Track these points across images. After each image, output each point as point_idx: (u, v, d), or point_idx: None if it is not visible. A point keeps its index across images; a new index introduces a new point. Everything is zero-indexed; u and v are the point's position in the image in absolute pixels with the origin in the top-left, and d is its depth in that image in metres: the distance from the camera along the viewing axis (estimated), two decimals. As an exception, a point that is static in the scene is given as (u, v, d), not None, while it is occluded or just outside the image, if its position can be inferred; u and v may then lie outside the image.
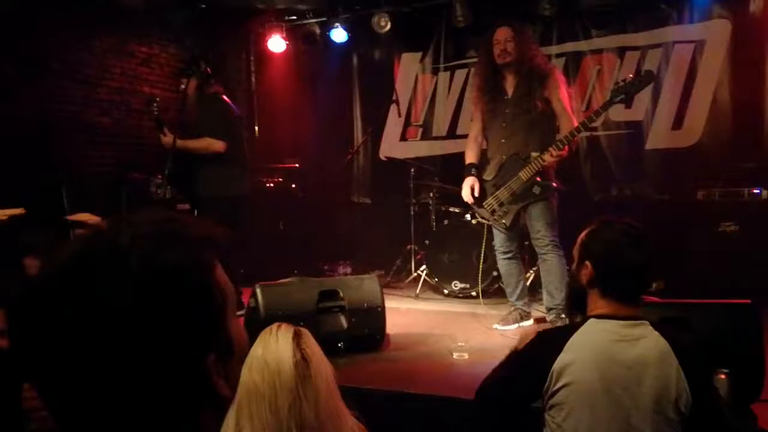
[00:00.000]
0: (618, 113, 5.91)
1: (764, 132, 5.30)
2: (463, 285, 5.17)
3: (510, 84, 4.09)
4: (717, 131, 5.50)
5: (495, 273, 5.13)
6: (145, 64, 6.25)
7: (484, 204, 4.18)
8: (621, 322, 1.81)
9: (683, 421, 1.73)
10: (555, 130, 4.07)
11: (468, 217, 5.32)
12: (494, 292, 5.17)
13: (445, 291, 5.26)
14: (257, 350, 1.47)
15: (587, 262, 1.90)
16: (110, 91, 5.88)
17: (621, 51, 5.90)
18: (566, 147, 3.84)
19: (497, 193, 4.10)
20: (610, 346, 1.78)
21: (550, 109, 4.00)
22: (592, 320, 1.85)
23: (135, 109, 6.12)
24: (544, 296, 4.11)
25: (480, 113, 4.22)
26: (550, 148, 3.83)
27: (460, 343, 3.72)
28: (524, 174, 3.96)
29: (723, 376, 2.27)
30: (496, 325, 4.19)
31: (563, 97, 4.01)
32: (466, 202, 4.25)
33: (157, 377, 0.65)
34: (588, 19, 5.96)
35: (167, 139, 4.74)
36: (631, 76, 3.74)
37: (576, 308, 2.03)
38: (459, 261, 5.19)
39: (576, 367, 1.78)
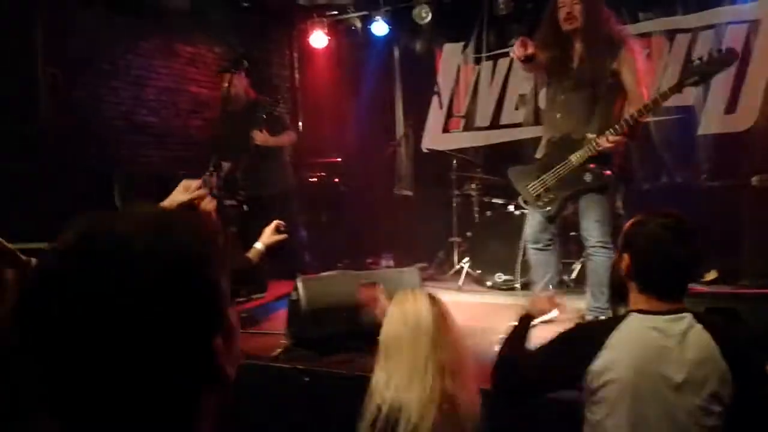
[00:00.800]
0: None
1: (824, 114, 5.04)
2: (506, 277, 5.11)
3: (577, 53, 3.66)
4: (774, 114, 5.26)
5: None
6: (191, 64, 6.39)
7: (528, 186, 3.82)
8: (663, 317, 1.75)
9: (726, 412, 1.66)
10: (621, 109, 3.63)
11: (511, 208, 5.25)
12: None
13: (488, 283, 5.20)
14: (395, 310, 1.73)
15: (626, 255, 1.85)
16: (158, 90, 6.04)
17: (670, 34, 5.69)
18: (626, 130, 3.45)
19: (544, 176, 3.74)
20: (653, 343, 1.73)
21: (619, 84, 3.57)
22: (633, 315, 1.80)
23: (182, 109, 6.27)
24: (588, 296, 3.77)
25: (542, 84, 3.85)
26: (608, 131, 3.46)
27: (502, 336, 3.68)
28: (575, 158, 3.59)
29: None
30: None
31: (638, 70, 3.58)
32: (513, 195, 3.98)
33: (166, 359, 0.66)
34: (635, 1, 5.77)
35: (262, 136, 4.82)
36: (708, 55, 3.33)
37: (619, 299, 1.98)
38: (502, 252, 5.12)
39: (617, 364, 1.73)
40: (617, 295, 2.00)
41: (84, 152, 5.17)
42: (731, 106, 5.46)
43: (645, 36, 5.79)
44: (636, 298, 1.83)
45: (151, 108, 5.96)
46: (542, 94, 3.97)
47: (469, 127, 6.71)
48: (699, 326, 1.72)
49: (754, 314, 2.38)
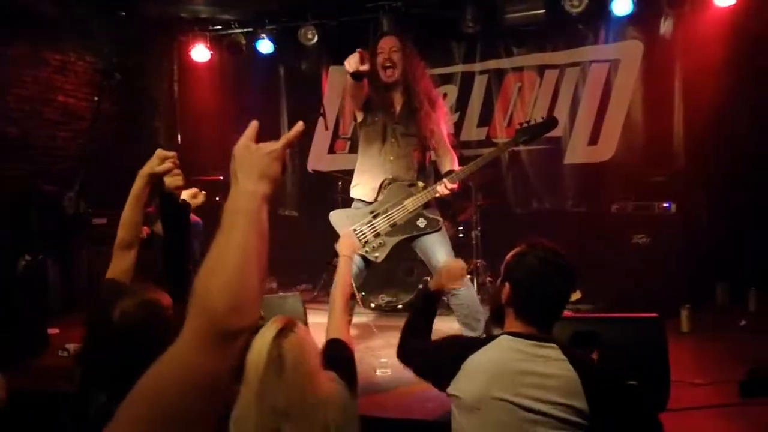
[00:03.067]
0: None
1: (674, 147, 5.59)
2: (389, 298, 5.18)
3: (398, 100, 3.78)
4: (630, 147, 5.77)
5: (420, 286, 5.18)
6: (60, 73, 5.98)
7: (356, 232, 3.66)
8: (530, 341, 1.84)
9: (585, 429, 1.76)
10: (426, 159, 3.82)
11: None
12: (420, 305, 5.22)
13: (372, 305, 5.25)
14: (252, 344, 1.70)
15: (507, 284, 1.94)
16: (20, 100, 5.59)
17: (541, 69, 6.10)
18: (458, 182, 3.63)
19: (375, 221, 3.68)
20: (515, 362, 1.82)
21: (434, 138, 3.75)
22: (504, 336, 1.90)
23: (48, 119, 5.84)
24: (463, 331, 3.65)
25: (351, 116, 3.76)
26: (446, 179, 3.58)
27: (383, 359, 3.71)
28: (410, 204, 3.64)
29: (631, 388, 2.36)
30: None
31: (446, 127, 3.86)
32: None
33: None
34: (510, 37, 6.14)
35: None
36: (538, 119, 3.68)
37: (496, 322, 2.07)
38: (385, 274, 5.19)
39: (478, 375, 1.83)
40: (496, 319, 2.08)
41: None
42: (594, 138, 5.93)
43: (518, 70, 6.17)
44: (511, 323, 1.93)
45: (11, 118, 5.51)
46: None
47: (354, 149, 6.77)
48: (563, 357, 1.81)
49: (611, 336, 2.57)
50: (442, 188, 3.59)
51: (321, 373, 1.78)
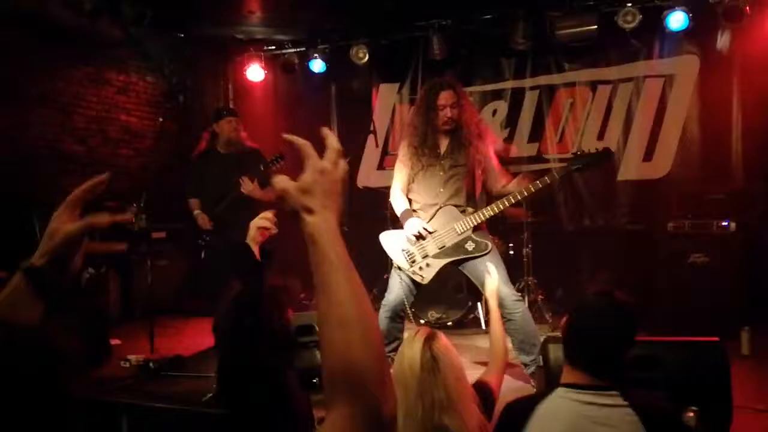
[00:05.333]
0: (590, 144, 6.02)
1: (732, 164, 5.45)
2: (439, 315, 5.19)
3: (443, 142, 3.87)
4: (687, 163, 5.65)
5: (470, 303, 5.18)
6: (123, 93, 6.25)
7: (405, 251, 3.77)
8: (589, 391, 1.78)
9: None
10: (478, 185, 3.90)
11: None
12: (470, 322, 5.21)
13: (422, 321, 5.27)
14: (399, 355, 1.91)
15: (564, 322, 1.91)
16: (86, 119, 5.86)
17: (593, 84, 6.04)
18: (513, 203, 3.68)
19: (424, 243, 3.74)
20: (577, 413, 1.76)
21: (483, 167, 3.84)
22: (560, 389, 1.83)
23: (111, 138, 6.10)
24: (519, 355, 3.67)
25: (407, 168, 3.89)
26: (494, 204, 3.66)
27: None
28: (459, 227, 3.70)
29: (692, 414, 2.31)
30: None
31: (494, 155, 3.92)
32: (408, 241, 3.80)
33: None
34: (561, 53, 6.10)
35: (250, 186, 4.61)
36: (595, 150, 3.71)
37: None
38: (435, 290, 5.20)
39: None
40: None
41: (5, 181, 4.94)
42: (648, 154, 5.82)
43: (570, 85, 6.12)
44: (567, 375, 1.86)
45: (78, 137, 5.78)
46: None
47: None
48: (625, 403, 1.76)
49: (670, 361, 2.52)
50: (490, 210, 3.66)
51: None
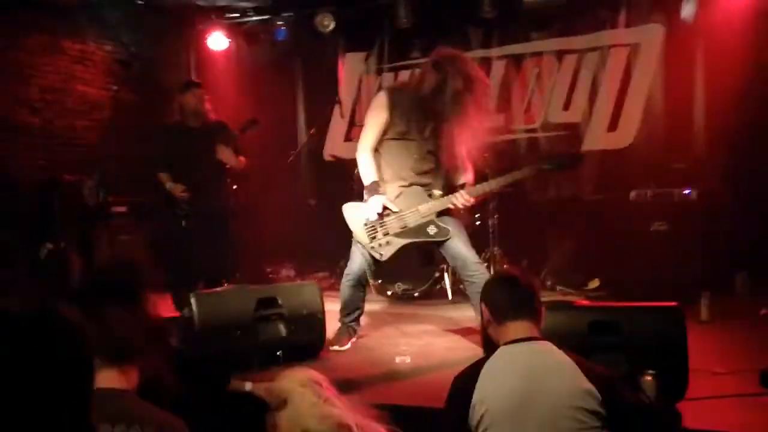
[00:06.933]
0: (556, 115, 6.06)
1: (694, 134, 5.51)
2: (405, 286, 5.19)
3: (429, 123, 3.70)
4: (650, 133, 5.69)
5: (437, 274, 5.19)
6: (79, 62, 6.03)
7: (366, 226, 3.70)
8: (528, 343, 1.90)
9: (604, 419, 1.77)
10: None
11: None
12: (437, 293, 5.23)
13: (389, 293, 5.26)
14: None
15: (484, 304, 2.07)
16: (41, 90, 5.65)
17: (559, 54, 6.03)
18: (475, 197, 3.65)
19: (386, 220, 3.68)
20: (521, 364, 1.85)
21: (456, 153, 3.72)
22: (501, 348, 1.93)
23: (68, 108, 5.90)
24: (478, 318, 3.55)
25: (384, 121, 3.68)
26: (461, 192, 3.62)
27: (402, 347, 3.74)
28: (424, 209, 3.65)
29: (649, 378, 2.35)
30: (333, 347, 3.74)
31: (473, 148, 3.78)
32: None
33: None
34: (528, 22, 6.06)
35: (227, 154, 4.74)
36: (569, 154, 3.91)
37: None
38: (402, 262, 5.18)
39: (490, 391, 1.82)
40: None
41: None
42: (613, 125, 5.86)
43: (536, 55, 6.10)
44: (501, 336, 1.96)
45: (33, 107, 5.58)
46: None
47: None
48: (560, 350, 1.89)
49: (630, 325, 2.56)
50: (457, 200, 3.62)
51: None
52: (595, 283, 5.23)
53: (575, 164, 3.84)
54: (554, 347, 1.90)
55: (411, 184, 3.73)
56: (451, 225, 3.69)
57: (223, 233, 4.80)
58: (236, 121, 4.84)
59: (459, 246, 3.67)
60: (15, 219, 4.94)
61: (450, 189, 3.79)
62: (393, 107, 3.68)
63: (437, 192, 3.74)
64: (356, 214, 3.78)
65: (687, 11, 5.49)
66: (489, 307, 2.04)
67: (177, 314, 4.41)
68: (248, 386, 2.41)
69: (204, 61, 7.14)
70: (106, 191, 5.07)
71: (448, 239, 3.67)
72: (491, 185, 3.72)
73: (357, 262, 3.82)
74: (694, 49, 5.50)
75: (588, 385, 1.78)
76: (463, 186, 3.73)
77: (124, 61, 4.98)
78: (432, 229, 3.66)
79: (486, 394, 1.82)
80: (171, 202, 4.69)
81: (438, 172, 3.77)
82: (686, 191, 4.86)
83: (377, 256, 3.71)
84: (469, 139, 3.69)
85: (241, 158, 4.88)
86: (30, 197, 5.26)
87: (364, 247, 3.75)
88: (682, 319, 2.56)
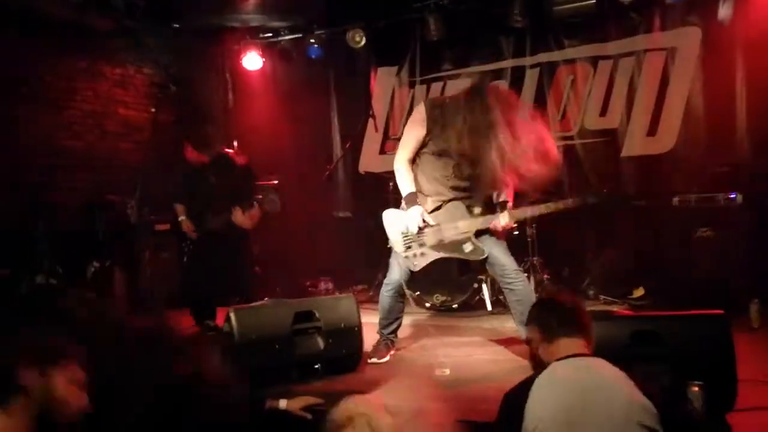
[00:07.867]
0: (593, 122, 5.97)
1: (737, 136, 5.34)
2: (444, 298, 5.16)
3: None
4: (691, 137, 5.54)
5: (475, 285, 5.14)
6: (119, 86, 6.22)
7: (404, 235, 3.70)
8: (579, 359, 1.89)
9: None
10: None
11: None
12: (476, 303, 5.18)
13: (427, 304, 5.24)
14: None
15: (531, 327, 2.09)
16: (83, 114, 5.84)
17: (594, 60, 5.94)
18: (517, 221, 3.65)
19: (424, 231, 3.67)
20: (573, 380, 1.83)
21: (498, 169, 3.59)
22: (551, 364, 1.92)
23: (109, 132, 6.07)
24: (520, 328, 3.66)
25: (423, 131, 3.65)
26: (502, 216, 3.60)
27: (441, 359, 3.71)
28: (463, 226, 3.64)
29: (696, 388, 2.28)
30: (371, 359, 3.74)
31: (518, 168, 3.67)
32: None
33: None
34: (560, 29, 6.00)
35: (242, 218, 4.80)
36: (618, 195, 3.88)
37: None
38: (440, 274, 5.16)
39: (543, 407, 1.80)
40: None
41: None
42: (652, 130, 5.73)
43: (570, 62, 6.03)
44: (552, 354, 1.96)
45: (74, 131, 5.76)
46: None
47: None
48: (610, 364, 1.87)
49: (674, 335, 2.48)
50: (498, 223, 3.60)
51: None
52: (639, 292, 5.10)
53: (622, 205, 3.77)
54: (606, 362, 1.88)
55: (451, 199, 3.71)
56: (488, 245, 3.65)
57: (235, 254, 4.84)
58: (274, 139, 4.85)
59: (498, 254, 3.65)
60: (61, 239, 5.10)
61: (489, 206, 3.78)
62: (432, 121, 3.66)
63: (477, 209, 3.72)
64: (395, 222, 3.80)
65: (724, 12, 5.36)
66: (538, 326, 2.05)
67: (198, 328, 4.55)
68: (283, 404, 2.43)
69: (240, 81, 7.29)
70: (149, 210, 5.18)
71: (482, 259, 3.65)
72: (534, 211, 3.70)
73: (396, 271, 3.82)
74: (732, 51, 5.35)
75: (644, 400, 1.76)
76: (503, 204, 3.71)
77: (162, 83, 5.10)
78: (468, 247, 3.65)
79: (538, 411, 1.80)
80: (182, 232, 4.83)
81: (477, 188, 3.73)
82: (731, 195, 4.72)
83: (410, 266, 3.73)
84: (509, 154, 3.57)
85: (254, 212, 4.88)
86: (75, 218, 5.43)
87: (398, 255, 3.76)
88: (727, 326, 2.48)
